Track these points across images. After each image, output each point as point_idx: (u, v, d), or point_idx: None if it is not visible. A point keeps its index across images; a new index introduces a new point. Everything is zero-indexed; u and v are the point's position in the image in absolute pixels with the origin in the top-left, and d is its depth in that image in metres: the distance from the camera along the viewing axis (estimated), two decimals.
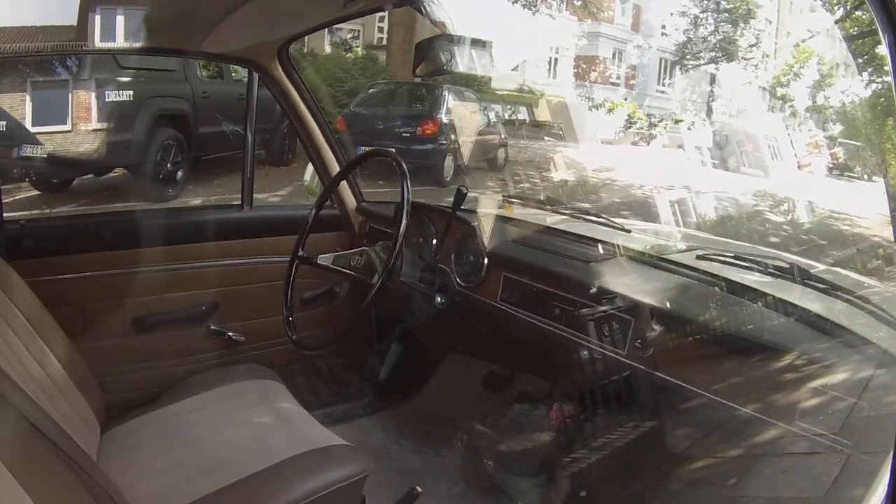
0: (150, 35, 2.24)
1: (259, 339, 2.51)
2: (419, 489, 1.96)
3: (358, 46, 10.53)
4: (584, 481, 1.88)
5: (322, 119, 2.61)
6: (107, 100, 5.85)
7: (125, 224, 2.45)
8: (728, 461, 1.57)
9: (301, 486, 1.59)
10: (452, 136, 7.73)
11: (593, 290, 1.85)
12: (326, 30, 9.72)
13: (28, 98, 5.66)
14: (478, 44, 8.80)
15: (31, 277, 1.86)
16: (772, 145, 6.34)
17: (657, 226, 3.63)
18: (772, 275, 1.73)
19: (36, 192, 5.97)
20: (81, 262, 2.23)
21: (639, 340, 1.71)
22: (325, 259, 2.21)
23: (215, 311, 2.46)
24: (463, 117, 8.09)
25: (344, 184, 2.69)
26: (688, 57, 8.60)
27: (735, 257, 1.83)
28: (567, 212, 2.44)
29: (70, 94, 5.75)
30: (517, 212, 2.48)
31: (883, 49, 0.88)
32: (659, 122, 8.40)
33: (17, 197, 5.76)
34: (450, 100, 8.09)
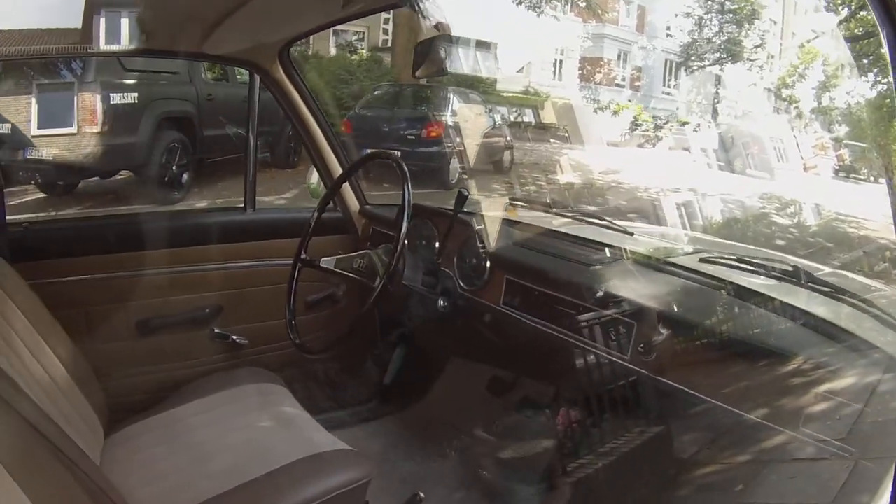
0: (151, 37, 2.24)
1: (262, 343, 2.51)
2: (422, 495, 1.96)
3: (363, 48, 10.53)
4: (588, 487, 1.87)
5: (324, 121, 2.61)
6: (111, 102, 5.86)
7: (128, 227, 2.45)
8: (735, 467, 1.56)
9: (303, 491, 1.59)
10: (458, 139, 7.72)
11: (596, 293, 1.84)
12: (332, 32, 9.75)
13: (34, 101, 5.67)
14: (483, 46, 8.81)
15: (35, 280, 1.86)
16: (778, 147, 6.32)
17: (661, 228, 3.63)
18: (776, 278, 1.72)
19: (42, 195, 5.99)
20: (85, 265, 2.23)
21: (642, 345, 1.71)
22: (327, 262, 2.21)
23: (219, 314, 2.46)
24: (468, 119, 8.09)
25: (347, 186, 2.69)
26: (693, 58, 8.58)
27: (739, 260, 1.82)
28: (570, 214, 2.43)
29: (75, 97, 5.76)
30: (520, 214, 2.47)
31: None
32: (664, 123, 8.38)
33: (24, 199, 5.79)
34: (455, 102, 8.08)
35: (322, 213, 2.37)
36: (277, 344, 2.46)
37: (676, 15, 9.07)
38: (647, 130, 8.46)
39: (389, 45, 10.50)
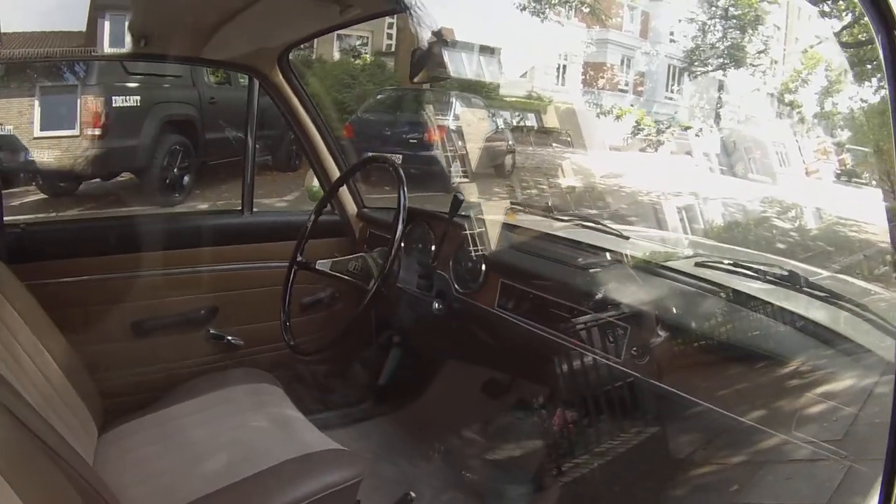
0: (151, 42, 2.25)
1: (258, 344, 2.52)
2: (413, 494, 1.95)
3: (367, 53, 10.54)
4: (582, 488, 1.87)
5: (323, 125, 2.62)
6: (114, 105, 5.88)
7: (125, 228, 2.47)
8: (730, 468, 1.56)
9: (295, 490, 1.59)
10: (459, 143, 7.72)
11: (590, 297, 1.85)
12: (335, 36, 9.77)
13: (37, 103, 5.69)
14: (486, 50, 8.81)
15: (31, 281, 1.87)
16: (780, 152, 6.30)
17: (659, 232, 3.62)
18: (771, 282, 1.72)
19: (43, 196, 6.00)
20: (81, 266, 2.24)
21: (635, 348, 1.71)
22: (323, 264, 2.22)
23: (214, 315, 2.47)
24: (471, 123, 8.09)
25: (344, 190, 2.70)
26: (696, 63, 8.57)
27: (734, 265, 1.82)
28: (566, 218, 2.43)
29: (78, 100, 5.77)
30: (518, 218, 2.47)
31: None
32: (667, 128, 8.37)
33: (25, 200, 5.80)
34: (457, 106, 8.08)
35: (319, 216, 2.38)
36: (272, 345, 2.47)
37: (680, 20, 9.05)
38: (650, 135, 8.45)
39: (393, 49, 10.50)
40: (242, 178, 2.64)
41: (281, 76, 2.50)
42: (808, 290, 1.67)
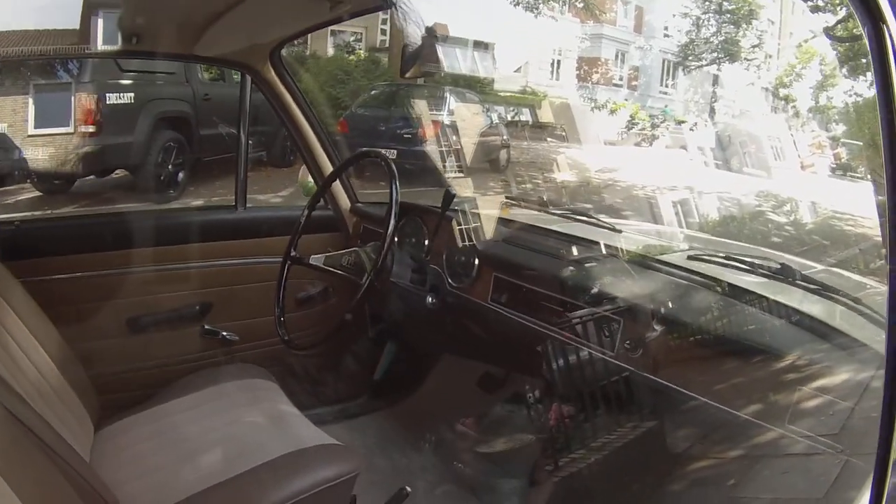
0: (142, 39, 2.24)
1: (253, 339, 2.52)
2: (408, 489, 1.95)
3: (361, 49, 10.53)
4: (577, 482, 1.87)
5: (315, 121, 2.62)
6: (108, 102, 5.86)
7: (119, 225, 2.46)
8: (726, 463, 1.56)
9: (290, 485, 1.59)
10: (454, 138, 7.71)
11: (583, 290, 1.85)
12: (329, 33, 9.76)
13: (31, 101, 5.67)
14: (480, 45, 8.80)
15: (26, 278, 1.87)
16: (775, 146, 6.30)
17: (653, 226, 3.62)
18: (764, 275, 1.72)
19: (37, 194, 5.98)
20: (76, 263, 2.24)
21: (628, 341, 1.71)
22: (316, 259, 2.22)
23: (209, 311, 2.47)
24: (465, 118, 8.08)
25: (338, 185, 2.70)
26: (690, 58, 8.57)
27: (726, 258, 1.82)
28: (559, 212, 2.43)
29: (72, 97, 5.76)
30: (512, 212, 2.47)
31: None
32: (661, 122, 8.37)
33: (20, 198, 5.79)
34: (452, 101, 8.08)
35: (312, 211, 2.38)
36: (267, 340, 2.47)
37: (674, 15, 9.05)
38: (644, 129, 8.45)
39: (387, 45, 10.49)
40: (235, 174, 2.64)
41: (273, 72, 2.50)
42: (803, 283, 1.68)
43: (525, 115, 9.33)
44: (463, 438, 2.34)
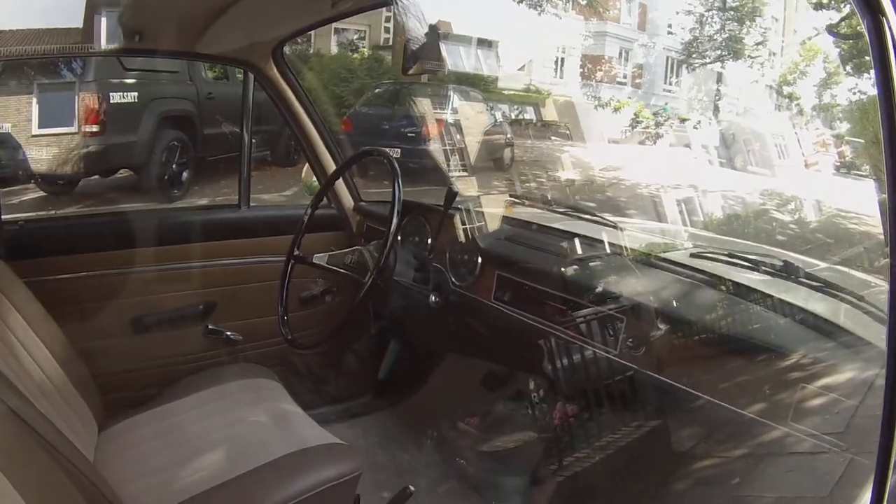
0: (144, 37, 2.24)
1: (256, 339, 2.52)
2: (412, 488, 1.95)
3: (364, 47, 10.53)
4: (582, 480, 1.87)
5: (318, 119, 2.62)
6: (112, 102, 5.86)
7: (123, 224, 2.46)
8: (731, 461, 1.56)
9: (294, 484, 1.59)
10: (458, 136, 7.70)
11: (586, 289, 1.85)
12: (333, 31, 9.77)
13: (34, 100, 5.68)
14: (484, 44, 8.79)
15: (30, 277, 1.87)
16: (779, 144, 6.28)
17: (657, 224, 3.61)
18: (767, 273, 1.72)
19: (41, 194, 5.99)
20: (79, 263, 2.24)
21: (631, 339, 1.71)
22: (319, 258, 2.22)
23: (213, 310, 2.47)
24: (469, 117, 8.07)
25: (341, 184, 2.70)
26: (694, 55, 8.55)
27: (730, 255, 1.82)
28: (561, 211, 2.43)
29: (76, 97, 5.76)
30: (515, 211, 2.47)
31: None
32: (665, 120, 8.36)
33: (24, 198, 5.79)
34: (456, 99, 8.07)
35: (315, 210, 2.38)
36: (271, 340, 2.47)
37: (678, 13, 9.03)
38: (648, 127, 8.44)
39: (390, 43, 10.48)
40: (238, 173, 2.64)
41: (275, 70, 2.50)
42: (807, 281, 1.67)
43: (529, 114, 9.33)
44: (467, 437, 2.34)
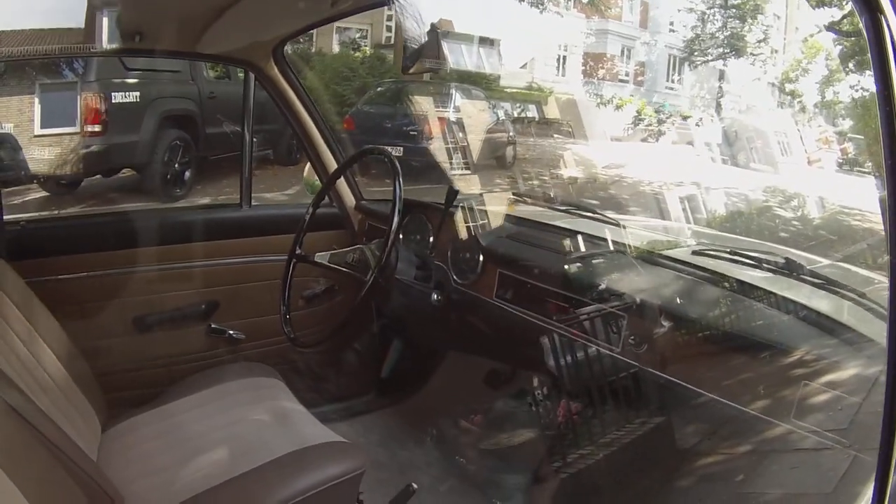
0: (145, 37, 2.24)
1: (259, 337, 2.52)
2: (415, 486, 1.95)
3: (366, 46, 10.52)
4: (585, 478, 1.87)
5: (319, 118, 2.62)
6: (114, 101, 5.87)
7: (125, 224, 2.46)
8: (735, 458, 1.56)
9: (297, 483, 1.59)
10: (460, 134, 7.70)
11: (588, 286, 1.85)
12: (335, 29, 9.76)
13: (37, 101, 5.68)
14: (486, 42, 8.79)
15: (32, 278, 1.87)
16: (781, 141, 6.27)
17: (659, 222, 3.61)
18: (769, 270, 1.72)
19: (44, 194, 6.00)
20: (81, 262, 2.24)
21: (633, 337, 1.71)
22: (321, 257, 2.23)
23: (215, 309, 2.48)
24: (471, 115, 8.07)
25: (343, 182, 2.70)
26: (696, 53, 8.54)
27: (732, 253, 1.81)
28: (563, 208, 2.43)
29: (78, 97, 5.76)
30: (517, 209, 2.47)
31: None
32: (668, 118, 8.35)
33: (27, 198, 5.80)
34: (458, 98, 8.07)
35: (317, 209, 2.38)
36: (274, 339, 2.47)
37: (679, 10, 9.03)
38: (651, 125, 8.43)
39: (392, 42, 10.48)
40: (240, 172, 2.64)
41: (276, 69, 2.50)
42: (809, 278, 1.67)
43: (531, 112, 9.33)
44: (470, 435, 2.35)
